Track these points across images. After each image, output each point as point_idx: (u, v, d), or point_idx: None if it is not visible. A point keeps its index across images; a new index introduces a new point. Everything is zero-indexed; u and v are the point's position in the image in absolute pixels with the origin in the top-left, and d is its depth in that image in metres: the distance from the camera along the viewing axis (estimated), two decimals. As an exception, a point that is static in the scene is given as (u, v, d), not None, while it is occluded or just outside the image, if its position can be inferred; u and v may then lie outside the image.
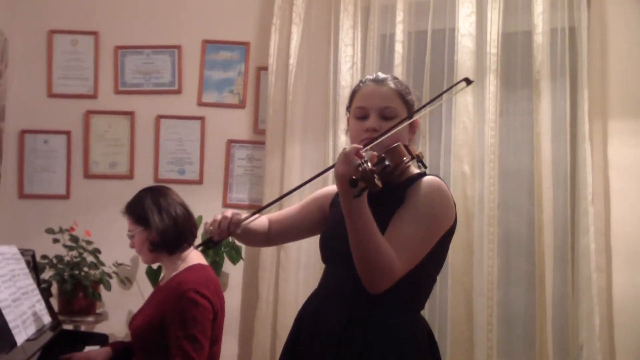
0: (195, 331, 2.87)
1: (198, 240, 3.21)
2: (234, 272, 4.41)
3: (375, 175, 1.90)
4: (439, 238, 2.24)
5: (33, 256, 3.40)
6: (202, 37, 4.60)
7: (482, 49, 3.97)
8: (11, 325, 2.53)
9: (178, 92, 4.60)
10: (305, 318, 2.38)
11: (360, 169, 1.91)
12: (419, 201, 2.21)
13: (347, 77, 4.19)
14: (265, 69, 4.42)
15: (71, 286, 4.08)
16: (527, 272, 3.89)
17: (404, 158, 2.15)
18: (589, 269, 3.62)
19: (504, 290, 3.93)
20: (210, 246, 2.43)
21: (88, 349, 3.30)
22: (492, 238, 3.83)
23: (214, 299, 2.98)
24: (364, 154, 2.00)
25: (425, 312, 3.80)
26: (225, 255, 4.26)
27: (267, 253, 4.22)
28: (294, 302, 4.06)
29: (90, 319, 4.20)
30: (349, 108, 2.43)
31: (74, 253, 4.19)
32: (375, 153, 2.05)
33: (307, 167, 4.20)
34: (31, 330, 2.74)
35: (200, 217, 4.08)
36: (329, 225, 2.45)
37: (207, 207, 4.23)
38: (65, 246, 4.18)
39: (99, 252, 4.24)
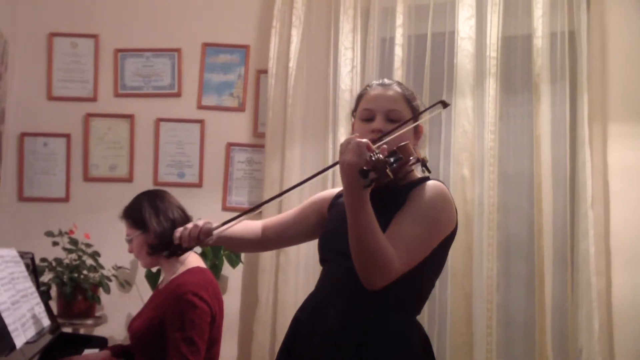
0: (192, 333, 2.88)
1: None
2: (233, 275, 4.41)
3: (388, 166, 1.91)
4: (439, 241, 2.24)
5: (32, 259, 3.40)
6: (202, 40, 4.60)
7: (482, 52, 3.97)
8: (10, 328, 2.53)
9: (178, 95, 4.60)
10: (302, 319, 2.38)
11: (372, 159, 1.91)
12: (422, 203, 2.21)
13: (347, 80, 4.20)
14: (265, 72, 4.42)
15: (70, 289, 4.08)
16: (527, 275, 3.89)
17: (411, 157, 2.15)
18: (589, 272, 3.62)
19: (503, 294, 3.93)
20: (178, 253, 2.45)
21: (87, 351, 3.31)
22: (492, 241, 3.83)
23: (212, 302, 2.99)
24: (374, 148, 2.01)
25: (425, 315, 3.81)
26: (224, 258, 4.26)
27: (267, 256, 4.22)
28: (293, 305, 4.05)
29: (90, 321, 4.20)
30: (354, 112, 2.44)
31: (74, 256, 4.19)
32: (385, 146, 2.04)
33: (306, 170, 4.19)
34: (30, 333, 2.73)
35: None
36: (328, 225, 2.45)
37: (206, 211, 4.22)
38: (64, 249, 4.17)
39: (99, 255, 4.24)
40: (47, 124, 4.61)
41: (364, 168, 1.91)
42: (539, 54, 3.82)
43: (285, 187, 4.17)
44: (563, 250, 3.77)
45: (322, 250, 2.43)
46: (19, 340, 2.56)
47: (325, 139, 4.23)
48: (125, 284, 4.40)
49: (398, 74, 4.04)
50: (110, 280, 4.27)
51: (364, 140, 2.01)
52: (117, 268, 4.35)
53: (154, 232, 3.08)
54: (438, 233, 2.24)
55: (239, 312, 4.41)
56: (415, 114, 2.37)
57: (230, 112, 4.56)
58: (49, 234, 4.17)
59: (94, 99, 4.62)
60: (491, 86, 3.92)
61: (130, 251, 3.22)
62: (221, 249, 4.20)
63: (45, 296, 3.84)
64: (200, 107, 4.59)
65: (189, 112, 4.59)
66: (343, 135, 4.14)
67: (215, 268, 4.19)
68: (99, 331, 4.26)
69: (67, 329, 3.98)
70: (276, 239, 2.59)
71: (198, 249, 4.10)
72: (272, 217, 2.65)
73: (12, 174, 4.58)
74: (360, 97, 2.43)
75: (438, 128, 4.06)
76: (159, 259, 3.14)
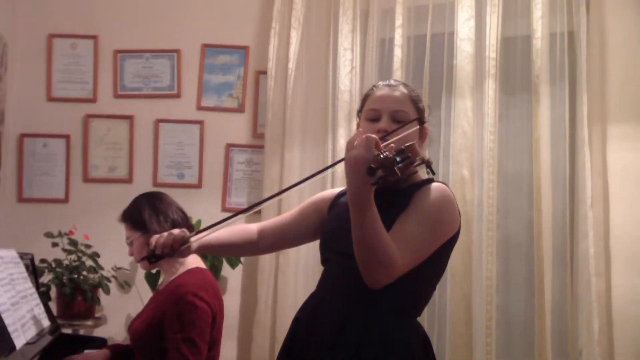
0: (193, 334, 2.87)
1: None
2: (232, 277, 4.41)
3: (396, 165, 1.90)
4: (441, 243, 2.25)
5: (32, 260, 3.40)
6: (202, 41, 4.61)
7: (481, 53, 3.97)
8: (10, 329, 2.53)
9: (177, 96, 4.61)
10: (302, 320, 2.38)
11: (380, 157, 1.90)
12: (426, 204, 2.22)
13: (346, 81, 4.20)
14: (265, 73, 4.42)
15: (70, 290, 4.08)
16: (526, 276, 3.89)
17: (418, 158, 2.15)
18: (588, 273, 3.61)
19: (503, 295, 3.92)
20: (152, 260, 2.45)
21: (86, 352, 3.30)
22: (491, 242, 3.83)
23: (213, 303, 2.99)
24: (382, 145, 2.00)
25: (425, 316, 3.81)
26: (224, 259, 4.26)
27: (266, 257, 4.21)
28: (292, 307, 4.05)
29: (89, 322, 4.20)
30: (359, 112, 2.44)
31: (73, 257, 4.19)
32: (393, 145, 2.04)
33: (306, 171, 4.19)
34: (30, 334, 2.73)
35: (199, 222, 4.09)
36: (329, 225, 2.44)
37: (206, 212, 4.23)
38: (64, 250, 4.17)
39: (98, 256, 4.24)
40: (47, 125, 4.62)
41: (372, 166, 1.89)
42: (538, 55, 3.82)
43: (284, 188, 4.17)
44: (562, 251, 3.76)
45: (324, 251, 2.42)
46: (19, 341, 2.56)
47: (324, 140, 4.23)
48: (125, 285, 4.40)
49: (397, 75, 4.04)
50: (110, 281, 4.27)
51: (373, 136, 2.00)
52: (117, 269, 4.35)
53: (154, 232, 3.08)
54: (441, 234, 2.24)
55: (239, 313, 4.41)
56: (421, 116, 2.38)
57: (229, 113, 4.57)
58: (49, 235, 4.17)
59: (93, 100, 4.63)
60: (490, 87, 3.91)
61: (131, 254, 3.22)
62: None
63: (44, 297, 3.84)
64: (200, 108, 4.59)
65: (189, 113, 4.59)
66: (342, 136, 4.14)
67: (215, 269, 4.18)
68: (98, 332, 4.26)
69: (67, 330, 3.98)
70: (274, 241, 2.58)
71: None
72: (268, 220, 2.64)
73: (11, 175, 4.58)
74: (366, 97, 2.43)
75: (437, 129, 4.06)
76: (160, 261, 3.14)
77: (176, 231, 2.38)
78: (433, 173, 2.21)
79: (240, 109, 4.56)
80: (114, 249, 3.98)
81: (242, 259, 4.31)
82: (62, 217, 4.43)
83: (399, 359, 2.21)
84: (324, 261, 2.42)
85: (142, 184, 4.40)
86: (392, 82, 2.42)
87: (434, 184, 2.29)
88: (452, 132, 3.97)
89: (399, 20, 4.12)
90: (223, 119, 4.57)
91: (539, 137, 3.79)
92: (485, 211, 3.85)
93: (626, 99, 3.73)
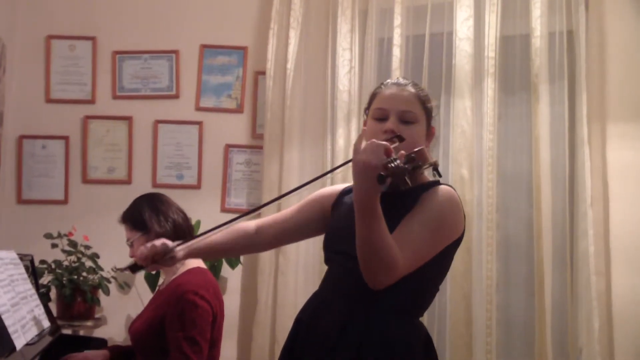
0: (194, 333, 2.88)
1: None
2: (232, 277, 4.40)
3: (407, 174, 1.89)
4: (445, 245, 2.24)
5: (32, 261, 3.40)
6: (200, 41, 4.60)
7: (480, 52, 3.97)
8: (10, 330, 2.53)
9: (176, 97, 4.60)
10: (303, 320, 2.38)
11: (391, 165, 1.88)
12: (432, 207, 2.21)
13: (345, 81, 4.20)
14: (263, 73, 4.42)
15: (70, 291, 4.07)
16: (526, 275, 3.89)
17: (426, 163, 2.13)
18: (588, 272, 3.61)
19: (503, 294, 3.92)
20: (134, 270, 2.48)
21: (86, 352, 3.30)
22: (491, 242, 3.83)
23: (213, 302, 2.99)
24: (393, 152, 1.97)
25: (425, 316, 3.76)
26: (223, 259, 4.25)
27: (266, 257, 4.21)
28: (292, 307, 4.05)
29: (89, 323, 4.20)
30: (366, 109, 2.43)
31: (73, 258, 4.19)
32: (403, 152, 2.01)
33: (305, 172, 4.19)
34: (30, 335, 2.73)
35: (199, 222, 4.09)
36: (332, 224, 2.43)
37: (205, 212, 4.23)
38: (63, 251, 4.17)
39: (98, 256, 4.23)
40: (46, 127, 4.61)
41: (382, 174, 1.89)
42: (537, 54, 3.82)
43: (283, 188, 4.17)
44: (562, 250, 3.76)
45: (327, 250, 2.42)
46: (19, 342, 2.56)
47: (323, 140, 4.23)
48: (125, 286, 4.40)
49: (396, 74, 4.04)
50: (110, 282, 4.27)
51: (384, 142, 1.98)
52: (116, 270, 4.35)
53: (155, 233, 3.08)
54: (445, 237, 2.24)
55: (239, 313, 4.40)
56: (429, 116, 2.38)
57: (228, 113, 4.56)
58: (48, 236, 4.16)
59: (92, 101, 4.62)
60: (489, 86, 3.91)
61: (132, 256, 3.21)
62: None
63: (44, 298, 3.84)
64: (199, 108, 4.59)
65: (187, 113, 4.59)
66: (341, 136, 4.14)
67: (215, 269, 4.18)
68: (98, 333, 4.26)
69: (67, 331, 3.99)
70: (274, 237, 2.55)
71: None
72: (267, 217, 2.62)
73: (10, 177, 4.58)
74: (374, 95, 2.41)
75: (436, 128, 4.02)
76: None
77: (158, 242, 2.39)
78: (440, 175, 2.20)
79: (239, 110, 4.56)
80: (114, 249, 3.97)
81: (242, 259, 4.31)
82: (61, 218, 4.43)
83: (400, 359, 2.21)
84: (327, 260, 2.42)
85: (141, 185, 4.40)
86: (401, 80, 2.40)
87: (441, 187, 2.29)
88: (452, 131, 3.97)
89: (397, 20, 4.12)
90: (222, 120, 4.57)
91: (538, 136, 3.79)
92: (484, 210, 3.85)
93: (625, 97, 3.73)
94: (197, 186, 4.53)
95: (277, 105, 4.31)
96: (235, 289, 4.43)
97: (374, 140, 2.00)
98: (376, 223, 2.00)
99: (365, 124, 2.42)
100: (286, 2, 4.35)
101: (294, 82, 4.27)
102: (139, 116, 4.60)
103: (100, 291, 4.21)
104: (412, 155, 1.99)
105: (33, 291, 3.07)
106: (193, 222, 4.00)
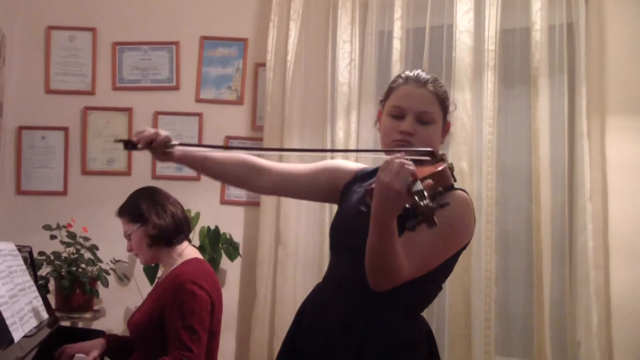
0: (193, 322, 2.89)
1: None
2: (231, 269, 4.40)
3: (435, 212, 1.81)
4: (454, 252, 2.22)
5: (30, 253, 3.40)
6: (200, 33, 4.60)
7: (480, 45, 3.96)
8: (8, 322, 2.53)
9: (176, 88, 4.60)
10: (306, 313, 2.37)
11: (420, 204, 1.81)
12: (445, 214, 2.11)
13: (345, 73, 4.19)
14: (263, 65, 4.41)
15: (69, 283, 4.07)
16: (525, 269, 3.89)
17: (448, 184, 2.08)
18: (587, 267, 3.61)
19: (501, 288, 3.92)
20: (128, 146, 2.39)
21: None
22: (490, 235, 3.82)
23: (212, 291, 3.00)
24: (418, 178, 1.89)
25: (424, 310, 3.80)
26: (222, 252, 4.25)
27: (265, 250, 4.22)
28: (291, 300, 4.06)
29: (88, 315, 4.21)
30: (382, 101, 2.35)
31: (72, 249, 4.19)
32: (430, 181, 1.91)
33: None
34: (28, 326, 2.73)
35: (198, 214, 4.10)
36: (340, 214, 2.39)
37: (204, 204, 4.24)
38: (62, 243, 4.17)
39: (97, 248, 4.23)
40: (45, 118, 4.61)
41: (408, 207, 1.84)
42: (537, 47, 3.81)
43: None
44: (561, 244, 3.76)
45: (332, 240, 2.40)
46: (17, 334, 2.55)
47: (323, 132, 4.23)
48: (124, 278, 4.40)
49: (396, 67, 4.03)
50: (109, 274, 4.26)
51: (410, 166, 1.89)
52: (116, 261, 4.35)
53: (153, 223, 3.09)
54: (455, 244, 2.21)
55: (237, 306, 4.41)
56: (446, 115, 2.31)
57: (228, 105, 4.56)
58: (47, 227, 4.16)
59: (92, 93, 4.62)
60: (489, 79, 3.91)
61: (130, 249, 3.22)
62: (219, 243, 4.20)
63: (43, 290, 3.84)
64: (199, 100, 4.58)
65: (187, 105, 4.58)
66: (341, 128, 4.15)
67: (214, 261, 4.18)
68: (97, 325, 4.27)
69: (66, 323, 3.99)
70: (278, 183, 2.46)
71: (197, 242, 4.11)
72: (279, 164, 2.56)
73: (10, 168, 4.58)
74: (391, 89, 2.32)
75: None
76: (159, 250, 3.15)
77: (164, 132, 2.32)
78: (454, 180, 2.16)
79: (239, 102, 4.56)
80: (113, 241, 3.97)
81: (241, 251, 4.31)
82: (60, 210, 4.43)
83: (403, 358, 2.21)
84: (332, 248, 2.40)
85: (141, 177, 4.40)
86: (420, 75, 2.29)
87: (456, 193, 2.21)
88: (451, 124, 3.95)
89: (398, 13, 4.11)
90: (222, 112, 4.56)
91: (538, 129, 3.78)
92: (484, 204, 3.85)
93: (625, 91, 3.72)
94: (197, 178, 4.51)
95: (277, 97, 4.31)
96: (234, 282, 4.43)
97: (399, 159, 1.91)
98: (388, 235, 1.96)
99: (379, 115, 2.36)
100: (286, -6, 4.35)
101: (294, 74, 4.27)
102: (139, 107, 4.60)
103: (99, 283, 4.21)
104: (440, 189, 1.91)
105: (31, 283, 3.07)
106: (192, 214, 4.01)
